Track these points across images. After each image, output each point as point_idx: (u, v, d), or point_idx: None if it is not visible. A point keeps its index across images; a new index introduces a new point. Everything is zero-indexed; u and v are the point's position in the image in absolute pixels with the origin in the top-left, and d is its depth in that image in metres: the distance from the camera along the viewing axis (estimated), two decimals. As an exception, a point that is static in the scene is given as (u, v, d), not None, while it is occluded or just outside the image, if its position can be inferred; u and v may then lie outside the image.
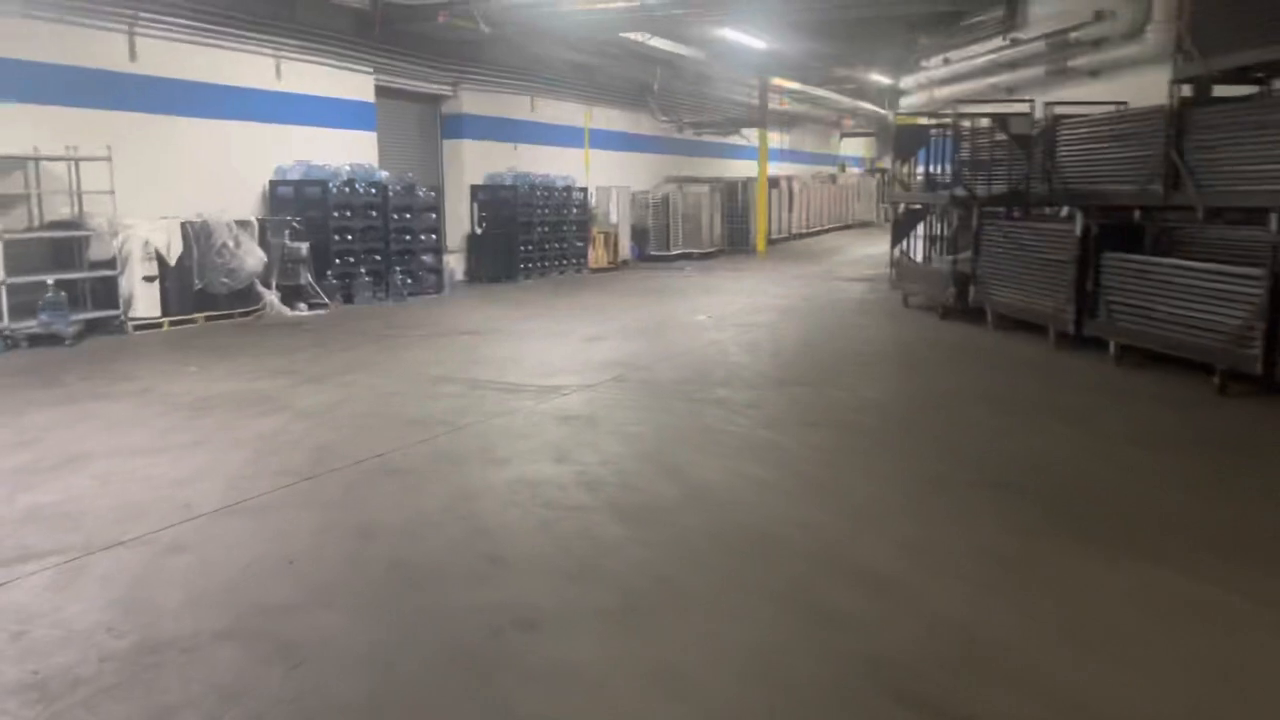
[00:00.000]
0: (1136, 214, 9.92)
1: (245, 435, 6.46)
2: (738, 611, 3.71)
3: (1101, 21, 12.80)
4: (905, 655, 3.34)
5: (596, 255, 19.87)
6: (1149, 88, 11.03)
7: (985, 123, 11.98)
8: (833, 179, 34.37)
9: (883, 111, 36.50)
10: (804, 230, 29.44)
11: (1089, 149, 10.84)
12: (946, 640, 3.46)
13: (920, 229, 14.57)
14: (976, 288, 11.57)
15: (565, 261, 18.76)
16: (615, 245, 20.56)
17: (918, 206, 14.46)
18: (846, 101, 32.77)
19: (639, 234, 21.66)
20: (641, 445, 6.20)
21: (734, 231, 24.59)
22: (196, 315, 11.61)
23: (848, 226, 33.64)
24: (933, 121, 14.19)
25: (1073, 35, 13.28)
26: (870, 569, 4.10)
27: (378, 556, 4.29)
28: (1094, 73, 12.90)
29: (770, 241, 25.44)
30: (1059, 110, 11.71)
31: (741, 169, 28.65)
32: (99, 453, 6.01)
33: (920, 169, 16.12)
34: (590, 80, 20.87)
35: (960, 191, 11.82)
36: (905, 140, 14.53)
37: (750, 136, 26.39)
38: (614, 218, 20.57)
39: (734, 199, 24.61)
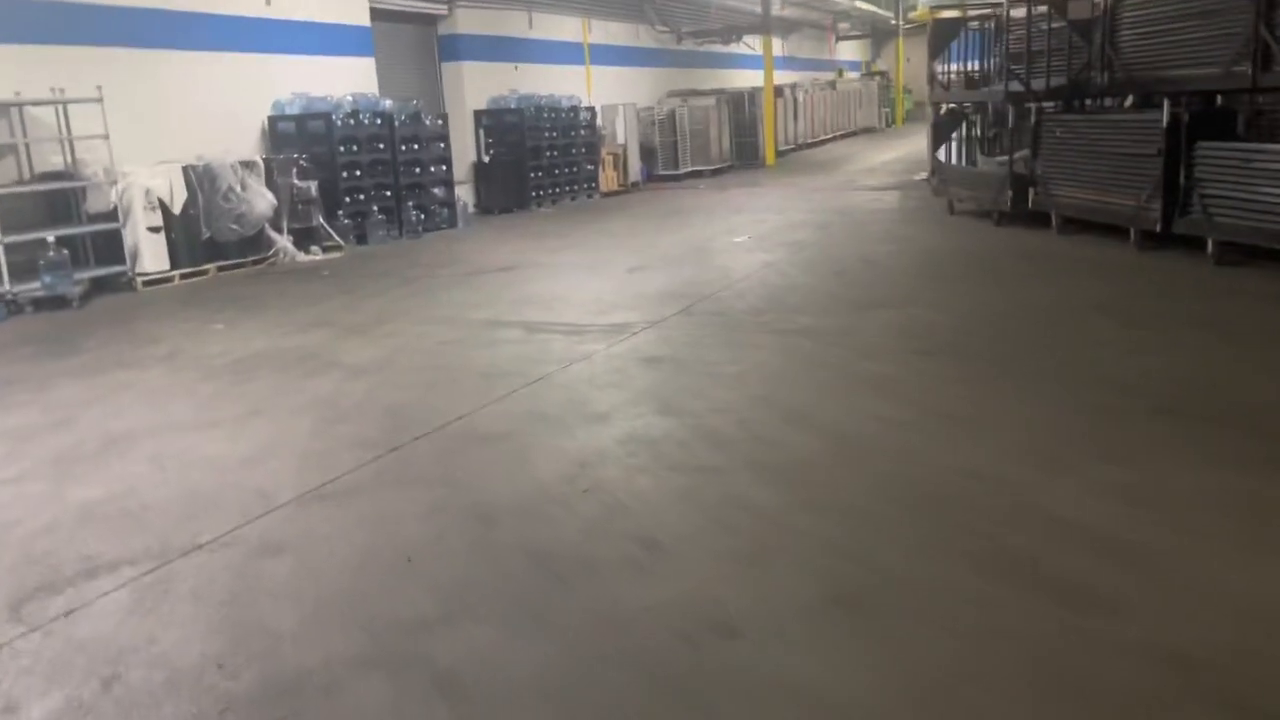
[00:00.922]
0: (1218, 99, 9.16)
1: (301, 400, 5.79)
2: (975, 600, 3.06)
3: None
4: (1213, 653, 2.73)
5: (607, 178, 18.98)
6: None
7: (1039, 9, 11.09)
8: (832, 85, 33.17)
9: (881, 12, 35.26)
10: (810, 140, 28.43)
11: (1158, 31, 9.99)
12: (1253, 630, 2.84)
13: (960, 130, 13.72)
14: (1037, 190, 10.84)
15: (576, 186, 17.89)
16: (625, 166, 19.66)
17: (955, 106, 13.63)
18: (847, 4, 31.53)
19: (646, 153, 20.73)
20: (747, 388, 5.56)
21: (742, 145, 23.65)
22: (207, 266, 10.82)
23: (852, 134, 32.57)
24: (974, 13, 13.24)
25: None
26: (1098, 530, 3.49)
27: (507, 546, 3.67)
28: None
29: (779, 153, 24.50)
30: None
31: (742, 79, 27.55)
32: (144, 430, 5.33)
33: (953, 66, 15.26)
34: (588, -9, 19.76)
35: (1016, 86, 10.99)
36: (942, 35, 13.60)
37: (752, 44, 25.25)
38: (621, 137, 19.62)
39: (741, 111, 23.61)
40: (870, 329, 6.86)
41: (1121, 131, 9.50)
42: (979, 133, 14.05)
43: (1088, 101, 11.22)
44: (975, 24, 13.07)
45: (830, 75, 35.96)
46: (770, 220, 13.34)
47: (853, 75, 38.81)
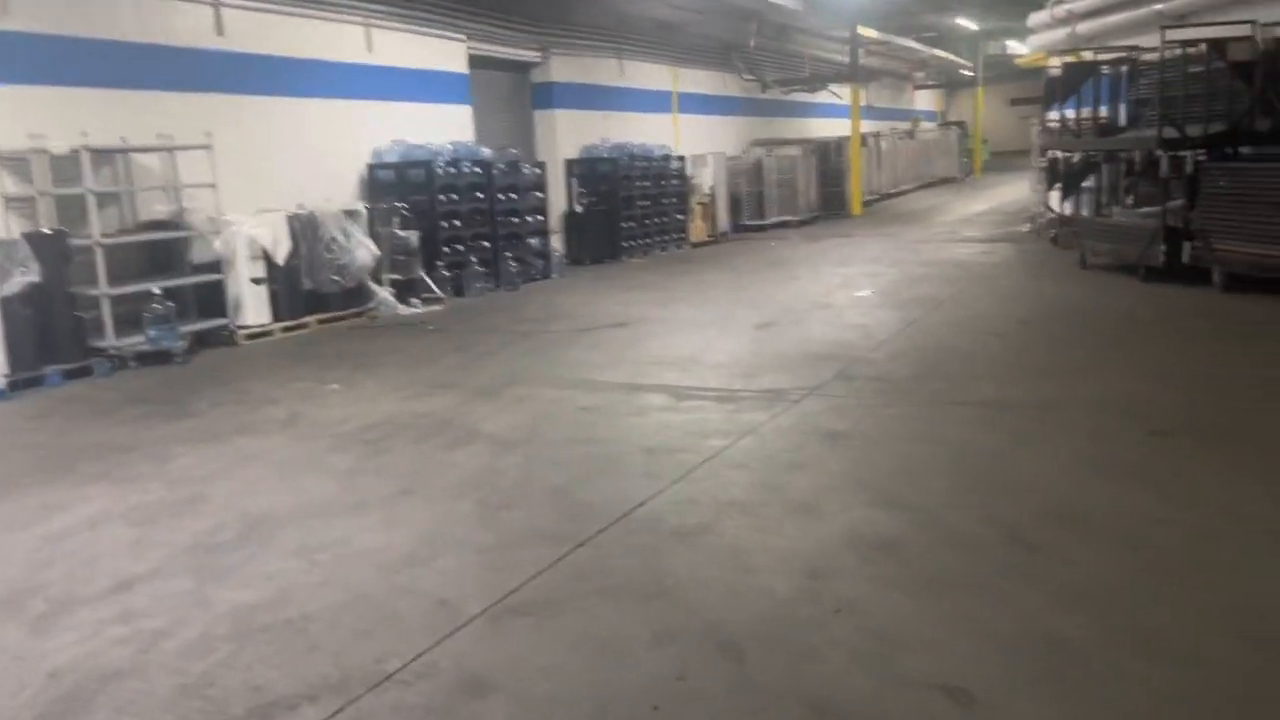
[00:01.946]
0: None
1: (452, 478, 5.16)
2: None
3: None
4: None
5: (696, 228, 18.42)
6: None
7: (1191, 51, 10.32)
8: (909, 134, 32.51)
9: (958, 60, 34.68)
10: (892, 190, 27.72)
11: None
12: None
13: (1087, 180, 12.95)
14: (1195, 244, 10.01)
15: (667, 237, 17.31)
16: (714, 217, 19.10)
17: (1086, 155, 12.86)
18: (925, 51, 30.98)
19: (732, 203, 20.16)
20: (965, 474, 4.82)
21: (828, 195, 23.01)
22: (307, 319, 10.35)
23: (932, 184, 31.81)
24: (1107, 56, 12.52)
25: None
26: None
27: (774, 692, 2.96)
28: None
29: (864, 204, 23.81)
30: (1279, 33, 10.06)
31: (823, 128, 27.03)
32: (284, 513, 4.73)
33: (1069, 113, 14.53)
34: (676, 40, 19.37)
35: (1170, 132, 10.21)
36: (1071, 79, 12.88)
37: (840, 93, 24.74)
38: (709, 187, 19.07)
39: (826, 160, 23.01)
40: (1073, 402, 6.07)
41: (1307, 182, 8.68)
42: (1105, 182, 13.28)
43: (1243, 149, 10.41)
44: (1107, 68, 12.33)
45: (906, 125, 35.32)
46: (885, 274, 12.62)
47: (929, 125, 38.14)
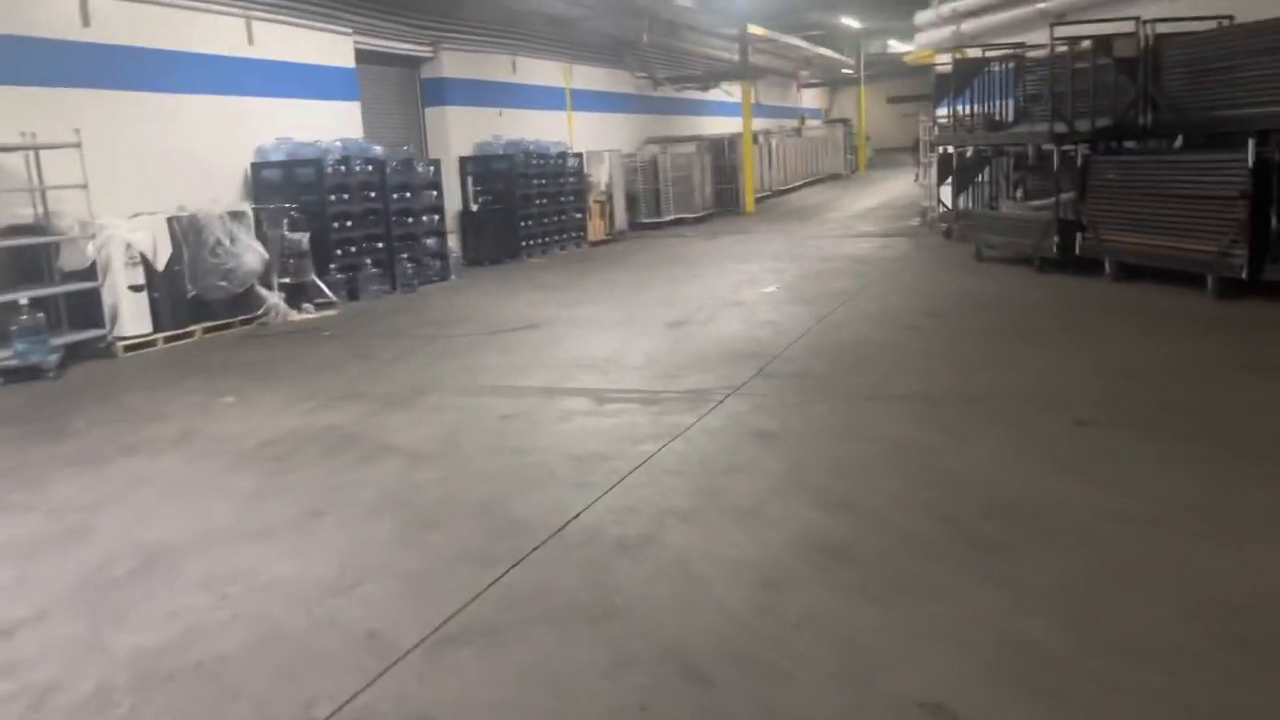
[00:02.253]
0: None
1: (367, 496, 4.81)
2: None
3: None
4: None
5: (594, 226, 18.20)
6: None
7: (1073, 48, 10.57)
8: (797, 132, 32.99)
9: (840, 58, 35.34)
10: (783, 187, 28.05)
11: (1216, 70, 9.53)
12: None
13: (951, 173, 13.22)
14: (1086, 235, 10.27)
15: (565, 235, 17.04)
16: (611, 215, 18.92)
17: (977, 150, 13.13)
18: (811, 50, 31.44)
19: (628, 201, 20.00)
20: (906, 471, 4.72)
21: (722, 192, 23.10)
22: (193, 327, 9.74)
23: (819, 180, 32.34)
24: (995, 54, 12.78)
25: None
26: None
27: None
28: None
29: (756, 200, 23.97)
30: (1160, 30, 10.38)
31: (715, 126, 27.15)
32: (184, 542, 4.32)
33: (959, 109, 14.84)
34: (568, 36, 19.11)
35: (1060, 127, 10.44)
36: (962, 77, 13.12)
37: (732, 91, 24.88)
38: (606, 185, 18.86)
39: (721, 158, 23.11)
40: (995, 394, 6.07)
41: (1191, 173, 8.96)
42: (994, 176, 13.60)
43: (1128, 144, 10.75)
44: (998, 66, 12.60)
45: (794, 122, 35.85)
46: (789, 270, 12.63)
47: (814, 123, 38.78)
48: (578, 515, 4.34)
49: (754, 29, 23.75)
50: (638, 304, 10.49)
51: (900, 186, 28.57)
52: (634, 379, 7.04)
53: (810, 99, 41.53)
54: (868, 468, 4.79)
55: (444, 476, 5.04)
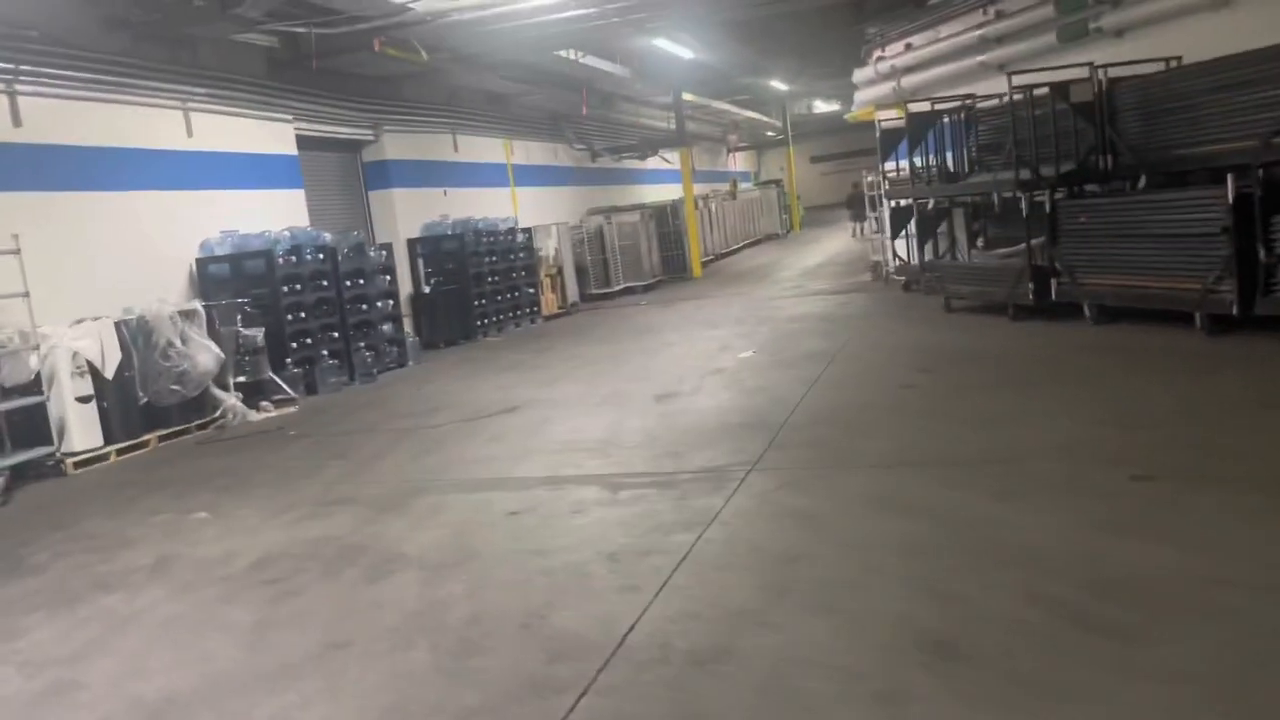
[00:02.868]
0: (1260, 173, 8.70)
1: (388, 619, 4.32)
2: None
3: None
4: None
5: (547, 300, 17.87)
6: (1208, 37, 9.99)
7: (1030, 95, 10.64)
8: (732, 195, 33.24)
9: (771, 121, 35.93)
10: (725, 250, 28.08)
11: (1173, 110, 9.64)
12: None
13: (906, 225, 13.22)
14: (1061, 280, 10.23)
15: (520, 311, 16.66)
16: (563, 288, 18.63)
17: (930, 202, 13.14)
18: (740, 114, 31.87)
19: (578, 272, 19.74)
20: (970, 544, 4.38)
21: (668, 259, 22.97)
22: (147, 437, 9.11)
23: (757, 242, 32.49)
24: (946, 106, 12.87)
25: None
26: None
27: None
28: (1119, 33, 11.84)
29: (701, 265, 23.90)
30: (1113, 74, 10.52)
31: (654, 193, 27.21)
32: (189, 693, 3.78)
33: (902, 164, 14.96)
34: (507, 112, 19.00)
35: (1025, 174, 10.46)
36: (915, 130, 13.17)
37: (670, 158, 24.98)
38: (556, 258, 18.58)
39: (665, 225, 22.99)
40: (1029, 453, 5.78)
41: (1169, 212, 8.96)
42: (952, 228, 13.64)
43: (1090, 187, 10.80)
44: (950, 117, 12.69)
45: (727, 186, 36.15)
46: (758, 333, 12.40)
47: (745, 185, 39.21)
48: (633, 626, 3.90)
49: (686, 96, 23.91)
50: (616, 379, 10.12)
51: (838, 243, 28.85)
52: (640, 461, 6.64)
53: (739, 162, 42.04)
54: (932, 546, 4.45)
55: (469, 590, 4.57)
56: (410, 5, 11.36)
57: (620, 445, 7.15)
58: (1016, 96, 10.70)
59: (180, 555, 5.64)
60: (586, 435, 7.58)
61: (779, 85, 30.30)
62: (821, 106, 37.90)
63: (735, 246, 29.61)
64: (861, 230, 30.12)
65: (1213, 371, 7.46)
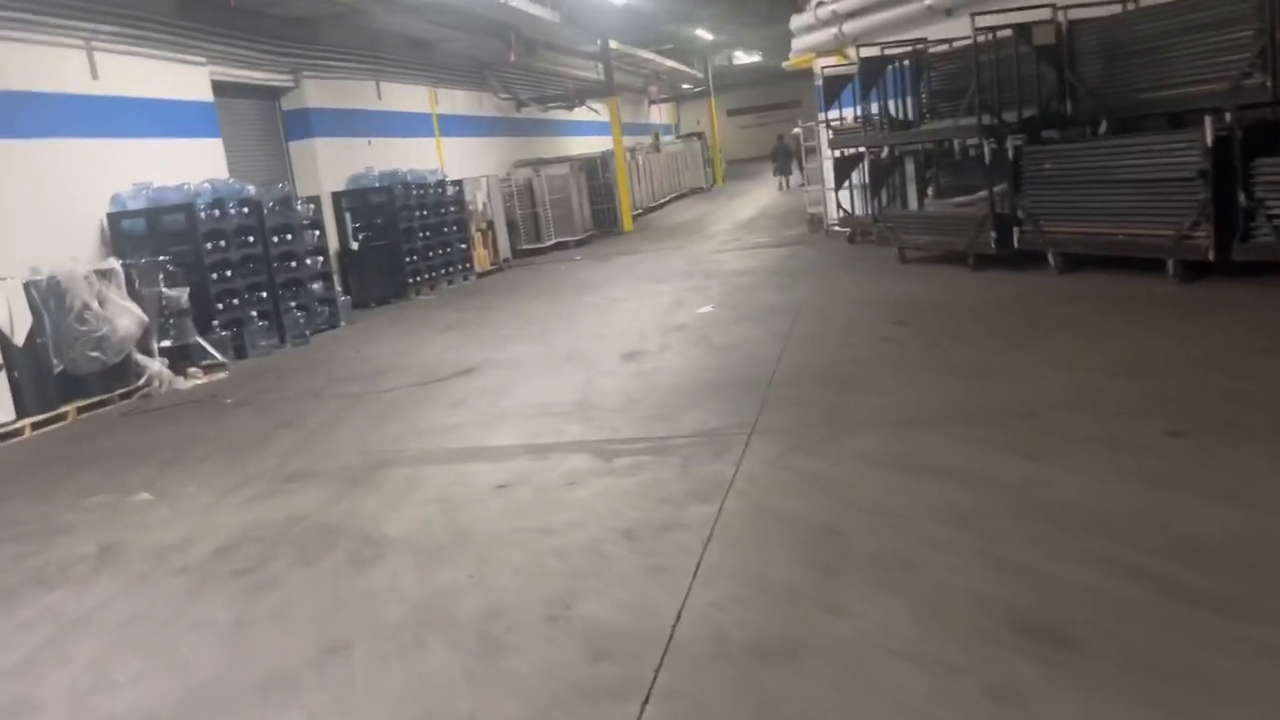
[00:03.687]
0: (1227, 116, 8.59)
1: (391, 613, 3.82)
2: None
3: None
4: None
5: (479, 256, 17.20)
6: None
7: (992, 38, 10.37)
8: (655, 148, 32.70)
9: (693, 72, 35.39)
10: (653, 204, 27.63)
11: (1137, 53, 9.45)
12: None
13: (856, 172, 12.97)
14: (1025, 228, 10.05)
15: (452, 268, 15.97)
16: (495, 243, 17.96)
17: (883, 151, 12.86)
18: (662, 64, 31.27)
19: (509, 228, 19.08)
20: (1021, 508, 4.07)
21: (599, 213, 22.42)
22: (65, 409, 8.34)
23: (683, 195, 32.13)
24: (897, 51, 12.55)
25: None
26: None
27: None
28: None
29: (632, 219, 23.41)
30: (1074, 15, 10.29)
31: (580, 145, 26.50)
32: (170, 711, 3.24)
33: (847, 112, 14.70)
34: (432, 59, 18.09)
35: (988, 119, 10.21)
36: (867, 77, 12.83)
37: (597, 109, 24.30)
38: (486, 211, 17.87)
39: (595, 178, 22.41)
40: (1041, 407, 5.46)
41: (1140, 157, 8.78)
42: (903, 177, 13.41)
43: (1050, 133, 10.60)
44: (905, 62, 12.38)
45: (649, 139, 35.56)
46: (710, 287, 12.03)
47: (668, 138, 38.65)
48: (680, 616, 3.49)
49: (613, 44, 23.23)
50: (573, 337, 9.64)
51: (766, 197, 28.64)
52: (625, 425, 6.20)
53: (661, 115, 41.43)
54: (977, 512, 4.12)
55: (474, 576, 4.09)
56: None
57: (599, 408, 6.70)
58: (980, 39, 10.40)
59: (127, 542, 5.02)
60: (558, 399, 7.11)
61: (704, 34, 29.77)
62: (743, 58, 37.46)
63: (662, 200, 29.18)
64: (787, 183, 29.99)
65: (1195, 317, 7.32)
